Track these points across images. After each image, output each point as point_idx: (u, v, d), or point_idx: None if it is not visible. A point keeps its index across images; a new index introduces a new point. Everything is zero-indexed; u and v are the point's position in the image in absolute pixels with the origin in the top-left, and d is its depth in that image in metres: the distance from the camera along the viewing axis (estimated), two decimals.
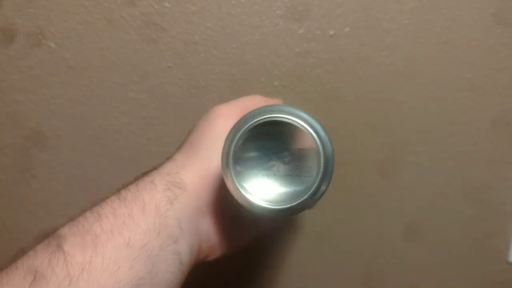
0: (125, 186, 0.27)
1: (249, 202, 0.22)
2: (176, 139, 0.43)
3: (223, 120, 0.29)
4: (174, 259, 0.25)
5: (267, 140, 0.22)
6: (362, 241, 0.48)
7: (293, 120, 0.21)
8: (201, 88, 0.42)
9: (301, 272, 0.49)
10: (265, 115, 0.21)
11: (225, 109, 0.30)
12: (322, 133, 0.21)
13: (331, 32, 0.42)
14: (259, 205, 0.22)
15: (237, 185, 0.22)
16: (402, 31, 0.43)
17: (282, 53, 0.42)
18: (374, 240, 0.48)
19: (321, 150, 0.21)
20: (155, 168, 0.29)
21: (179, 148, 0.31)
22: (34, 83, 0.41)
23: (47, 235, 0.25)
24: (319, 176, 0.21)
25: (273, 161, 0.22)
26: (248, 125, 0.22)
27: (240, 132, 0.22)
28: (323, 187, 0.21)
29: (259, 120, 0.21)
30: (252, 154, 0.22)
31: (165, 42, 0.41)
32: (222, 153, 0.22)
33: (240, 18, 0.41)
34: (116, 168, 0.44)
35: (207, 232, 0.28)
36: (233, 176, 0.22)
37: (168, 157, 0.30)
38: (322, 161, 0.21)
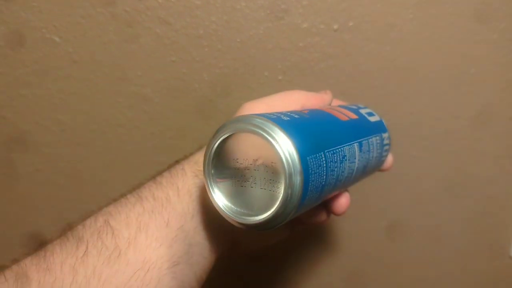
0: (160, 173, 0.29)
1: (221, 211, 0.22)
2: (180, 134, 0.44)
3: None
4: (206, 245, 0.27)
5: (244, 151, 0.21)
6: (346, 237, 0.48)
7: (257, 133, 0.20)
8: (205, 83, 0.42)
9: (284, 268, 0.49)
10: (228, 128, 0.21)
11: (250, 106, 0.30)
12: (286, 147, 0.20)
13: (335, 27, 0.42)
14: (228, 216, 0.22)
15: (214, 195, 0.22)
16: (406, 26, 0.43)
17: (286, 47, 0.42)
18: (358, 237, 0.49)
19: (284, 167, 0.20)
20: (186, 156, 0.30)
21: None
22: (39, 77, 0.41)
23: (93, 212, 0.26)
24: (282, 193, 0.20)
25: (251, 173, 0.21)
26: (216, 139, 0.22)
27: (214, 143, 0.22)
28: (290, 203, 0.20)
29: (223, 134, 0.21)
30: (231, 164, 0.22)
31: (169, 36, 0.41)
32: (203, 161, 0.23)
33: (245, 12, 0.41)
34: (120, 162, 0.44)
35: (230, 226, 0.29)
36: (210, 186, 0.22)
37: (200, 146, 0.31)
38: (285, 178, 0.20)
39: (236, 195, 0.22)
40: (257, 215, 0.21)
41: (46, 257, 0.23)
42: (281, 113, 0.23)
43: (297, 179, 0.20)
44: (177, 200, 0.27)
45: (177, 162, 0.30)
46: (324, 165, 0.22)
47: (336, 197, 0.29)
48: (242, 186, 0.22)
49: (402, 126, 0.45)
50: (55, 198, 0.44)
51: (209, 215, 0.27)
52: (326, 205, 0.30)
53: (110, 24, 0.40)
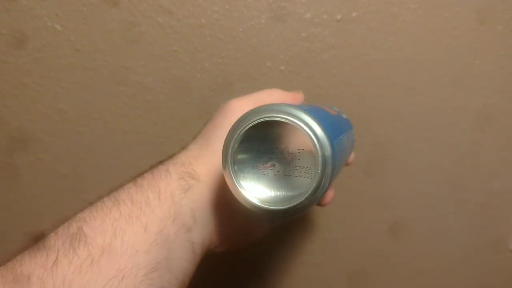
0: (141, 174, 0.28)
1: (248, 202, 0.22)
2: (182, 124, 0.43)
3: (236, 114, 0.29)
4: (188, 247, 0.26)
5: (267, 139, 0.22)
6: (349, 237, 0.48)
7: (290, 120, 0.20)
8: (207, 72, 0.42)
9: (287, 269, 0.49)
10: (261, 115, 0.21)
11: (238, 103, 0.30)
12: (321, 134, 0.20)
13: (338, 17, 0.42)
14: (256, 205, 0.22)
15: (236, 184, 0.22)
16: (411, 16, 0.42)
17: (288, 37, 0.42)
18: (361, 236, 0.49)
19: (319, 152, 0.20)
20: (170, 157, 0.29)
21: (194, 138, 0.31)
22: (40, 66, 0.41)
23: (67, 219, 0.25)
24: (317, 179, 0.20)
25: (273, 161, 0.22)
26: (244, 125, 0.21)
27: (238, 132, 0.21)
28: (321, 190, 0.21)
29: (254, 120, 0.21)
30: (252, 153, 0.22)
31: (171, 25, 0.41)
32: (222, 151, 0.22)
33: (247, 1, 0.41)
34: (122, 151, 0.44)
35: (219, 225, 0.28)
36: (232, 176, 0.22)
37: (183, 147, 0.31)
38: (319, 163, 0.20)
39: (261, 185, 0.22)
40: (288, 201, 0.21)
41: (15, 268, 0.22)
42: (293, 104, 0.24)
43: (329, 163, 0.21)
44: (157, 203, 0.26)
45: (160, 163, 0.29)
46: (339, 152, 0.23)
47: None
48: (264, 175, 0.22)
49: (404, 118, 0.45)
50: (56, 187, 0.44)
51: (193, 217, 0.26)
52: None
53: (112, 13, 0.40)
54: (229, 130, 0.22)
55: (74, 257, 0.22)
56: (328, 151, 0.20)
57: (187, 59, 0.42)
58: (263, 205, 0.21)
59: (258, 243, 0.32)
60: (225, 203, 0.28)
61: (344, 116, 0.35)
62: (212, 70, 0.42)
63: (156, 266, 0.24)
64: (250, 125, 0.21)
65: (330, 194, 0.30)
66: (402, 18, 0.42)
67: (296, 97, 0.33)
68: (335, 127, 0.25)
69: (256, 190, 0.22)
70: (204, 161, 0.28)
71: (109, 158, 0.44)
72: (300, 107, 0.22)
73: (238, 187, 0.22)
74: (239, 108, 0.29)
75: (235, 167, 0.22)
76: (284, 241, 0.48)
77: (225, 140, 0.22)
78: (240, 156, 0.22)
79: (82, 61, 0.41)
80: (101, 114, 0.43)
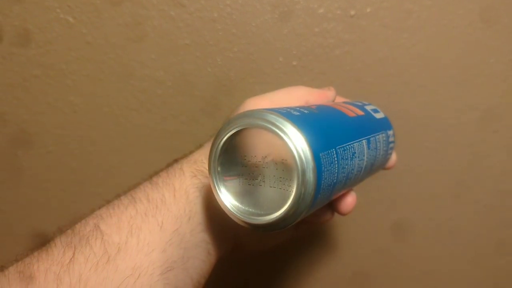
0: (157, 172, 0.28)
1: (229, 212, 0.21)
2: (192, 118, 0.43)
3: None
4: (204, 247, 0.26)
5: (252, 148, 0.20)
6: (353, 237, 0.48)
7: (267, 128, 0.19)
8: (219, 67, 0.42)
9: (287, 268, 0.49)
10: (236, 124, 0.20)
11: (254, 102, 0.29)
12: (301, 145, 0.19)
13: (352, 12, 0.42)
14: (236, 216, 0.21)
15: (220, 194, 0.21)
16: (425, 13, 0.42)
17: (301, 32, 0.42)
18: (366, 237, 0.48)
19: (297, 164, 0.19)
20: (185, 155, 0.29)
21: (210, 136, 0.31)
22: (52, 58, 0.41)
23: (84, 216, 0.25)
24: (293, 193, 0.19)
25: (259, 171, 0.20)
26: (224, 134, 0.20)
27: (219, 141, 0.21)
28: (301, 205, 0.19)
29: (232, 129, 0.20)
30: (237, 161, 0.21)
31: (183, 19, 0.41)
32: (208, 161, 0.21)
33: None
34: (131, 145, 0.44)
35: (234, 226, 0.28)
36: (216, 184, 0.21)
37: (200, 144, 0.30)
38: (298, 177, 0.19)
39: (244, 194, 0.21)
40: (267, 214, 0.20)
41: (32, 264, 0.22)
42: (290, 108, 0.23)
43: (311, 177, 0.19)
44: (173, 201, 0.25)
45: (175, 161, 0.29)
46: (336, 162, 0.22)
47: (342, 196, 0.28)
48: (250, 185, 0.21)
49: (416, 116, 0.45)
50: (65, 180, 0.44)
51: (208, 216, 0.26)
52: (331, 204, 0.29)
53: (125, 5, 0.40)
54: (213, 139, 0.21)
55: (90, 254, 0.22)
56: (309, 163, 0.19)
57: (199, 53, 0.42)
58: (242, 217, 0.20)
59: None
60: None
61: (379, 115, 0.33)
62: (224, 65, 0.42)
63: (172, 265, 0.24)
64: (229, 133, 0.20)
65: (351, 202, 0.29)
66: (416, 15, 0.42)
67: (325, 94, 0.31)
68: (342, 133, 0.24)
69: (239, 200, 0.21)
70: None
71: (118, 152, 0.44)
72: (285, 112, 0.20)
73: (220, 196, 0.21)
74: (253, 106, 0.29)
75: (218, 177, 0.21)
76: (288, 243, 0.48)
77: (210, 148, 0.21)
78: (225, 165, 0.21)
79: (93, 54, 0.41)
80: (111, 107, 0.43)
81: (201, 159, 0.28)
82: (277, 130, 0.19)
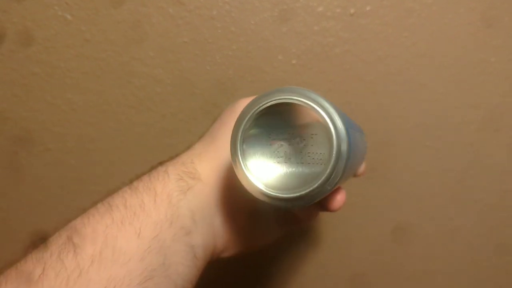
0: (139, 176, 0.27)
1: (260, 191, 0.21)
2: (191, 116, 0.43)
3: None
4: (188, 251, 0.25)
5: (278, 126, 0.21)
6: (352, 239, 0.48)
7: (306, 103, 0.19)
8: (218, 65, 0.42)
9: (290, 271, 0.49)
10: (274, 97, 0.20)
11: (248, 101, 0.29)
12: (337, 118, 0.19)
13: (352, 11, 0.41)
14: (270, 194, 0.21)
15: (246, 173, 0.21)
16: (425, 11, 0.42)
17: (300, 31, 0.41)
18: (365, 238, 0.48)
19: (333, 135, 0.19)
20: (172, 158, 0.28)
21: (200, 138, 0.30)
22: (50, 56, 0.41)
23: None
24: (330, 163, 0.19)
25: (284, 148, 0.21)
26: (256, 107, 0.20)
27: (248, 116, 0.20)
28: (334, 178, 0.20)
29: (267, 102, 0.20)
30: (262, 140, 0.21)
31: (182, 17, 0.40)
32: (231, 139, 0.21)
33: None
34: (130, 143, 0.44)
35: (222, 226, 0.27)
36: (242, 164, 0.21)
37: (188, 147, 0.30)
38: (334, 146, 0.19)
39: (269, 172, 0.21)
40: (298, 189, 0.20)
41: (0, 284, 0.21)
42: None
43: (345, 148, 0.19)
44: (153, 206, 0.24)
45: (160, 163, 0.28)
46: (352, 141, 0.22)
47: (332, 193, 0.28)
48: (274, 162, 0.21)
49: (416, 115, 0.44)
50: (64, 178, 0.44)
51: (194, 218, 0.25)
52: (320, 202, 0.29)
53: (124, 3, 0.40)
54: (238, 117, 0.21)
55: (61, 269, 0.22)
56: (343, 134, 0.19)
57: (197, 51, 0.41)
58: (270, 192, 0.20)
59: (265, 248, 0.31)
60: (228, 201, 0.27)
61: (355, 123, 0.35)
62: (223, 63, 0.42)
63: (152, 274, 0.23)
64: (266, 105, 0.20)
65: (340, 199, 0.29)
66: (416, 13, 0.42)
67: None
68: (349, 120, 0.25)
69: (265, 177, 0.21)
70: (207, 157, 0.27)
71: (117, 149, 0.44)
72: (314, 91, 0.21)
73: (245, 172, 0.21)
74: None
75: (244, 153, 0.21)
76: (287, 243, 0.48)
77: (234, 124, 0.21)
78: (249, 142, 0.21)
79: (91, 52, 0.41)
80: (110, 105, 0.42)
81: (190, 160, 0.27)
82: (312, 104, 0.19)
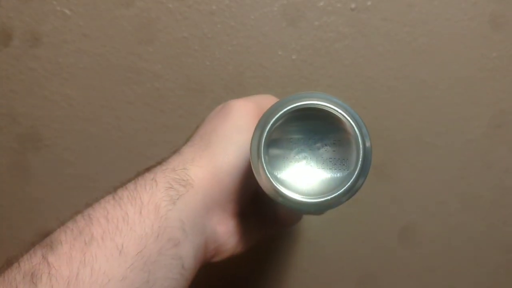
0: (124, 183, 0.25)
1: (283, 195, 0.20)
2: (190, 113, 0.43)
3: (240, 114, 0.27)
4: (175, 264, 0.23)
5: (299, 131, 0.21)
6: (357, 242, 0.47)
7: (333, 109, 0.20)
8: (217, 60, 0.41)
9: (295, 273, 0.48)
10: (302, 101, 0.20)
11: (242, 104, 0.28)
12: (362, 125, 0.20)
13: (353, 6, 0.41)
14: (293, 199, 0.20)
15: (270, 177, 0.20)
16: (426, 6, 0.41)
17: (300, 26, 0.41)
18: (371, 238, 0.48)
19: (360, 142, 0.20)
20: (159, 162, 0.26)
21: (187, 141, 0.28)
22: (48, 51, 0.41)
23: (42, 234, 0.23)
24: (357, 170, 0.20)
25: (305, 153, 0.21)
26: (283, 111, 0.20)
27: (273, 120, 0.20)
28: (360, 182, 0.20)
29: (297, 106, 0.20)
30: (283, 145, 0.21)
31: (181, 12, 0.40)
32: (252, 144, 0.21)
33: None
34: (128, 139, 0.43)
35: (214, 231, 0.26)
36: (266, 169, 0.20)
37: (175, 150, 0.28)
38: (361, 154, 0.20)
39: (292, 177, 0.21)
40: (321, 194, 0.20)
41: None
42: None
43: (370, 155, 0.20)
44: (138, 219, 0.22)
45: (147, 169, 0.26)
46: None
47: None
48: (295, 168, 0.21)
49: (417, 111, 0.44)
50: (63, 174, 0.44)
51: (182, 229, 0.24)
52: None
53: None
54: (260, 121, 0.21)
55: None
56: (369, 141, 0.20)
57: (197, 47, 0.41)
58: (300, 198, 0.20)
59: (259, 245, 0.31)
60: (222, 206, 0.26)
61: None
62: (222, 58, 0.41)
63: None
64: (292, 109, 0.20)
65: None
66: (417, 8, 0.41)
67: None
68: None
69: (291, 183, 0.21)
70: (202, 163, 0.26)
71: (116, 145, 0.43)
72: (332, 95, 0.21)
73: (272, 181, 0.20)
74: (243, 107, 0.28)
75: (267, 160, 0.21)
76: (291, 243, 0.48)
77: (254, 132, 0.21)
78: (270, 147, 0.21)
79: (90, 47, 0.41)
80: (108, 101, 0.42)
81: (182, 166, 0.25)
82: (338, 108, 0.20)
